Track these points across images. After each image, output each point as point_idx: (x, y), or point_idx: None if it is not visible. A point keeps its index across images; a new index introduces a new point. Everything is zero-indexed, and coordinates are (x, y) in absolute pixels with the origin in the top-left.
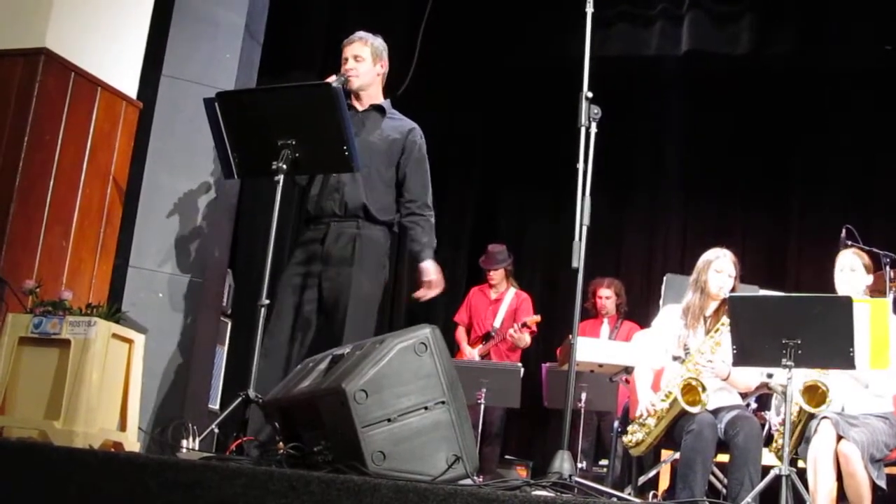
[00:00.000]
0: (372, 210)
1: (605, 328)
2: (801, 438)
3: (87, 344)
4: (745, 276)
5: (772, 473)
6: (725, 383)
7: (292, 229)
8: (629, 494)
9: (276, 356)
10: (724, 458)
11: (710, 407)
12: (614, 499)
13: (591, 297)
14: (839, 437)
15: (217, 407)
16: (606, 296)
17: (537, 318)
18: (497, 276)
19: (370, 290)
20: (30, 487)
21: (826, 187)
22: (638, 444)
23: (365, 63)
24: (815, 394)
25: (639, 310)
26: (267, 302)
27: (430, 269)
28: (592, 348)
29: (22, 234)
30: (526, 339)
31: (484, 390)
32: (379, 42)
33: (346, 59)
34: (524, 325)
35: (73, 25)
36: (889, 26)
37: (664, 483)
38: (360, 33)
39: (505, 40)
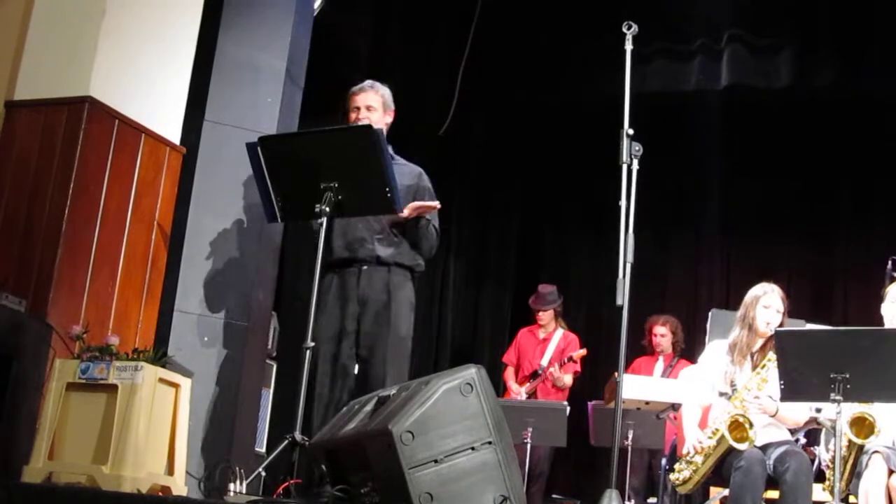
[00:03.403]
0: (398, 259)
1: (660, 365)
2: (853, 473)
3: (133, 389)
4: (790, 310)
5: None
6: (773, 419)
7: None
8: None
9: (320, 400)
10: (773, 494)
11: (759, 443)
12: None
13: (647, 334)
14: (890, 472)
15: (263, 450)
16: (662, 333)
17: (583, 351)
18: (546, 316)
19: (406, 331)
20: None
21: (871, 219)
22: (685, 481)
23: (376, 112)
24: (862, 426)
25: (684, 345)
26: (312, 344)
27: None
28: (638, 386)
29: (68, 280)
30: (566, 379)
31: (530, 429)
32: (387, 91)
33: (358, 109)
34: (570, 359)
35: (116, 73)
36: None
37: None
38: (370, 82)
39: (545, 78)
